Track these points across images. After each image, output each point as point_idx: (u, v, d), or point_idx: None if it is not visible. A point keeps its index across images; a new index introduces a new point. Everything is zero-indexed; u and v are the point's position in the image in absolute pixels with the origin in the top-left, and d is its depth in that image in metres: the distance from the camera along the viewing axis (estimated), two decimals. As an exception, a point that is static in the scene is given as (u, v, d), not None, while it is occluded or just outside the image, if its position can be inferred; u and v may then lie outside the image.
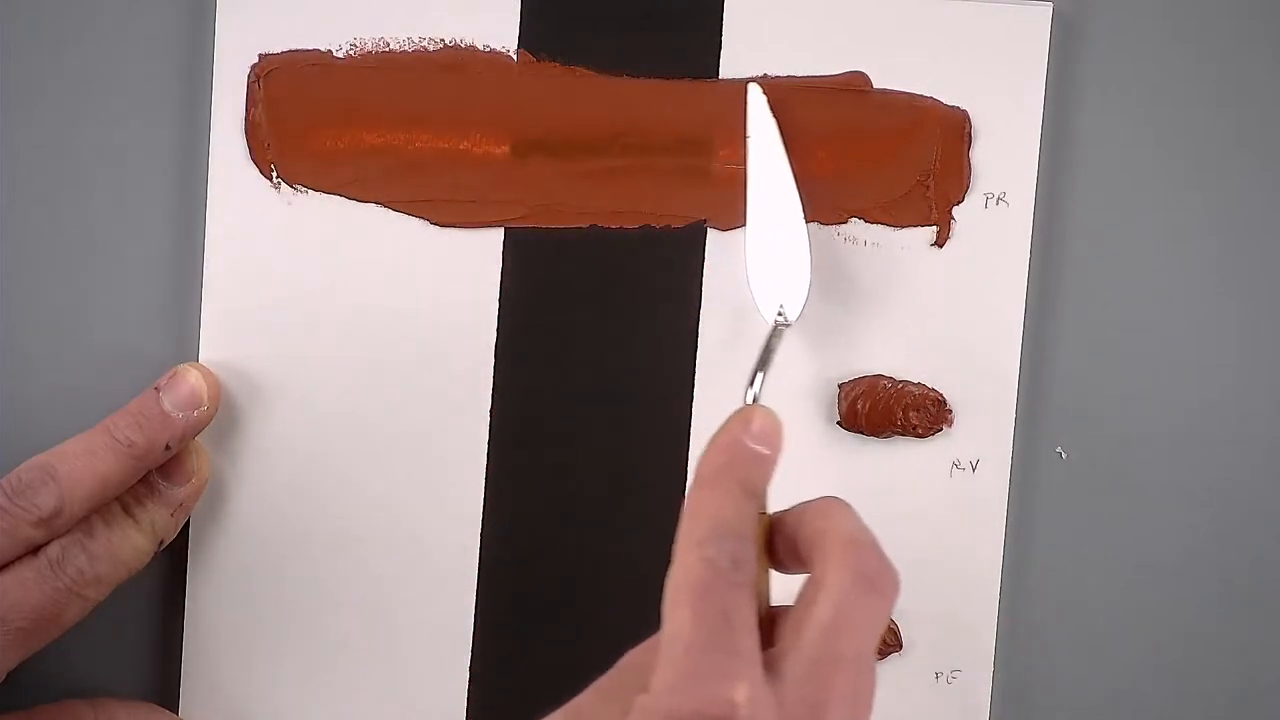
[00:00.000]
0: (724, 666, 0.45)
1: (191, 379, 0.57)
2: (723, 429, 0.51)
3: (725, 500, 0.49)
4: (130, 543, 0.56)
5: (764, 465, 0.50)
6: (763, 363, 0.55)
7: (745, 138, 0.59)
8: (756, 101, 0.58)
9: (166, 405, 0.56)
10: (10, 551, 0.54)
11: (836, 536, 0.48)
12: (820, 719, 0.46)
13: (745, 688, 0.45)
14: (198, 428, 0.57)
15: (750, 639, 0.46)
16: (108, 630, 0.59)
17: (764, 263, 0.58)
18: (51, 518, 0.54)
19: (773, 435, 0.51)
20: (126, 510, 0.56)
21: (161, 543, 0.57)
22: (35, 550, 0.54)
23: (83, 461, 0.54)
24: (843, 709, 0.46)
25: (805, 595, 0.48)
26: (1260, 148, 0.61)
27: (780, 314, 0.57)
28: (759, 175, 0.58)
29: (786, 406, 0.60)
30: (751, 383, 0.54)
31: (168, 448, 0.56)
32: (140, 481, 0.56)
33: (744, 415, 0.51)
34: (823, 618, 0.46)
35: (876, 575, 0.48)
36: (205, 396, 0.57)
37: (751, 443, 0.50)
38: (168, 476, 0.57)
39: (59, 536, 0.54)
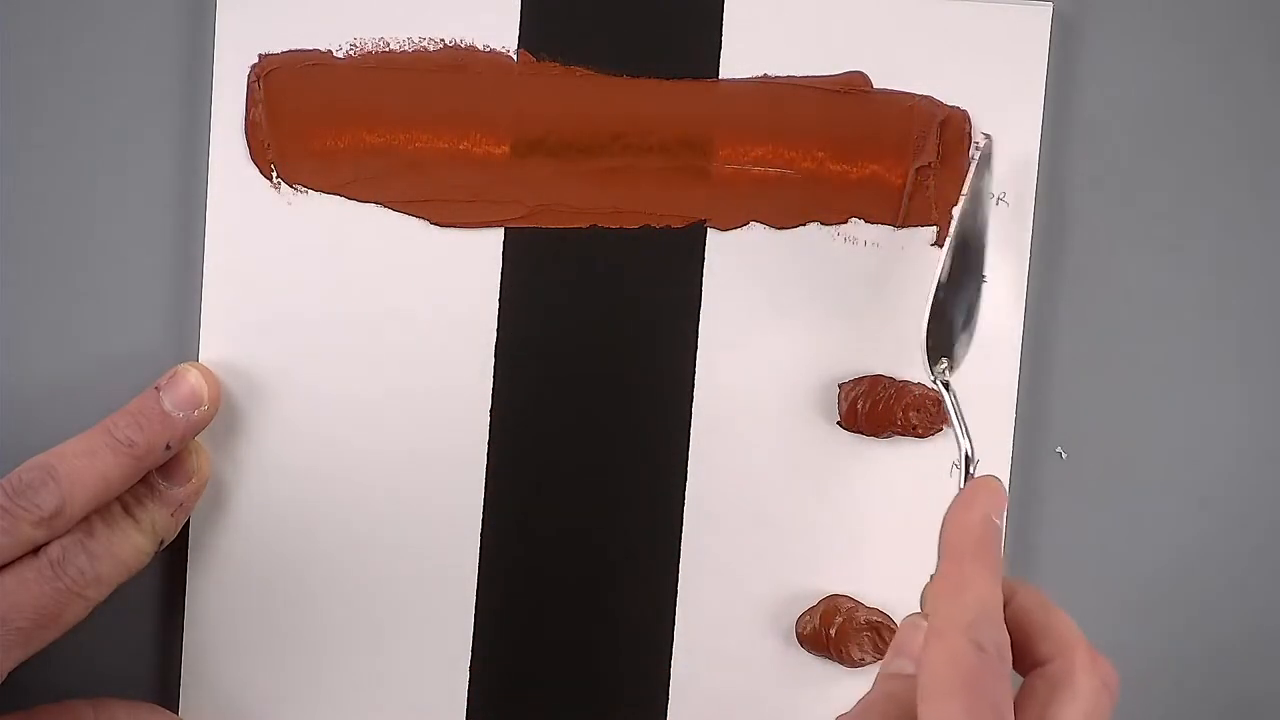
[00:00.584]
0: None
1: (191, 379, 0.57)
2: (969, 501, 0.51)
3: (988, 582, 0.49)
4: (131, 542, 0.56)
5: (1001, 541, 0.51)
6: (963, 422, 0.55)
7: (962, 191, 0.58)
8: (983, 155, 0.58)
9: (167, 405, 0.56)
10: (11, 551, 0.54)
11: (1078, 638, 0.50)
12: None
13: None
14: (198, 428, 0.57)
15: None
16: (108, 630, 0.59)
17: (942, 317, 0.57)
18: (52, 518, 0.54)
19: (1005, 508, 0.51)
20: (127, 510, 0.56)
21: (162, 542, 0.57)
22: (36, 550, 0.54)
23: (83, 461, 0.54)
24: None
25: (1049, 693, 0.49)
26: (1260, 147, 0.61)
27: (944, 364, 0.57)
28: (962, 232, 0.58)
29: (786, 406, 0.60)
30: (969, 450, 0.54)
31: (168, 448, 0.56)
32: (140, 481, 0.56)
33: (992, 489, 0.51)
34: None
35: (1115, 682, 0.50)
36: (205, 396, 0.57)
37: (996, 518, 0.50)
38: (168, 476, 0.57)
39: (59, 536, 0.54)
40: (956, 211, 0.57)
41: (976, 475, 0.53)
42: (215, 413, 0.58)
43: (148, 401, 0.56)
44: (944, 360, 0.57)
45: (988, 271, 0.58)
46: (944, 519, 0.51)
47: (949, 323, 0.57)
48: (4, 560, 0.54)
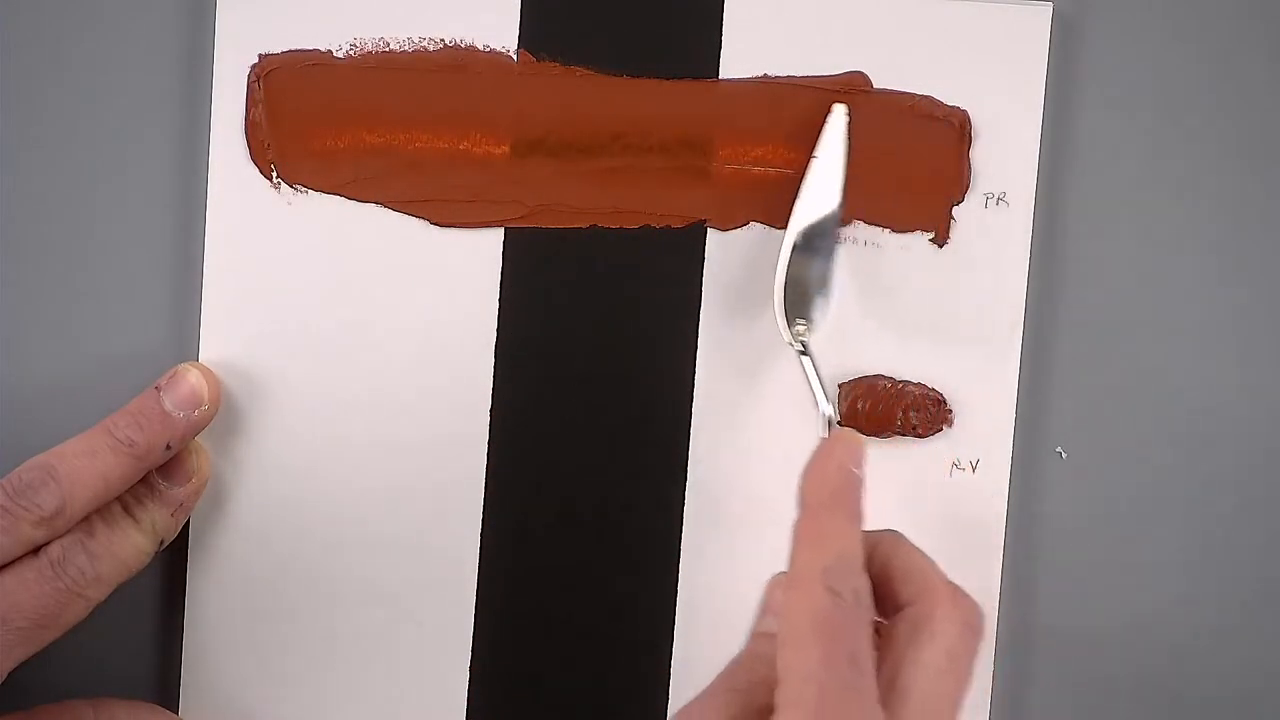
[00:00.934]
0: (852, 712, 0.45)
1: (191, 379, 0.57)
2: (826, 453, 0.51)
3: (845, 530, 0.49)
4: (130, 543, 0.56)
5: (863, 491, 0.51)
6: (820, 377, 0.55)
7: (812, 154, 0.58)
8: (837, 122, 0.58)
9: (167, 405, 0.56)
10: (11, 551, 0.54)
11: (938, 580, 0.50)
12: None
13: None
14: (198, 428, 0.57)
15: (871, 680, 0.47)
16: (108, 630, 0.59)
17: (795, 275, 0.58)
18: (52, 517, 0.54)
19: (865, 459, 0.51)
20: (127, 510, 0.56)
21: (162, 542, 0.57)
22: (36, 550, 0.54)
23: (83, 461, 0.54)
24: None
25: (910, 634, 0.48)
26: (1260, 147, 0.61)
27: (801, 324, 0.57)
28: (811, 191, 0.58)
29: (786, 406, 0.60)
30: (831, 414, 0.55)
31: (168, 447, 0.56)
32: (141, 481, 0.56)
33: (847, 439, 0.51)
34: (938, 661, 0.48)
35: (980, 620, 0.49)
36: (205, 396, 0.57)
37: (855, 468, 0.50)
38: (168, 476, 0.57)
39: (60, 536, 0.54)
40: (807, 172, 0.58)
41: (837, 427, 0.54)
42: (215, 413, 0.58)
43: (148, 401, 0.56)
44: (801, 321, 0.57)
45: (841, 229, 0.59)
46: (802, 472, 0.51)
47: (804, 285, 0.58)
48: (4, 560, 0.54)
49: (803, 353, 0.57)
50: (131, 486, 0.56)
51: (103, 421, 0.56)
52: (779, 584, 0.51)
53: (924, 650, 0.48)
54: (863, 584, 0.48)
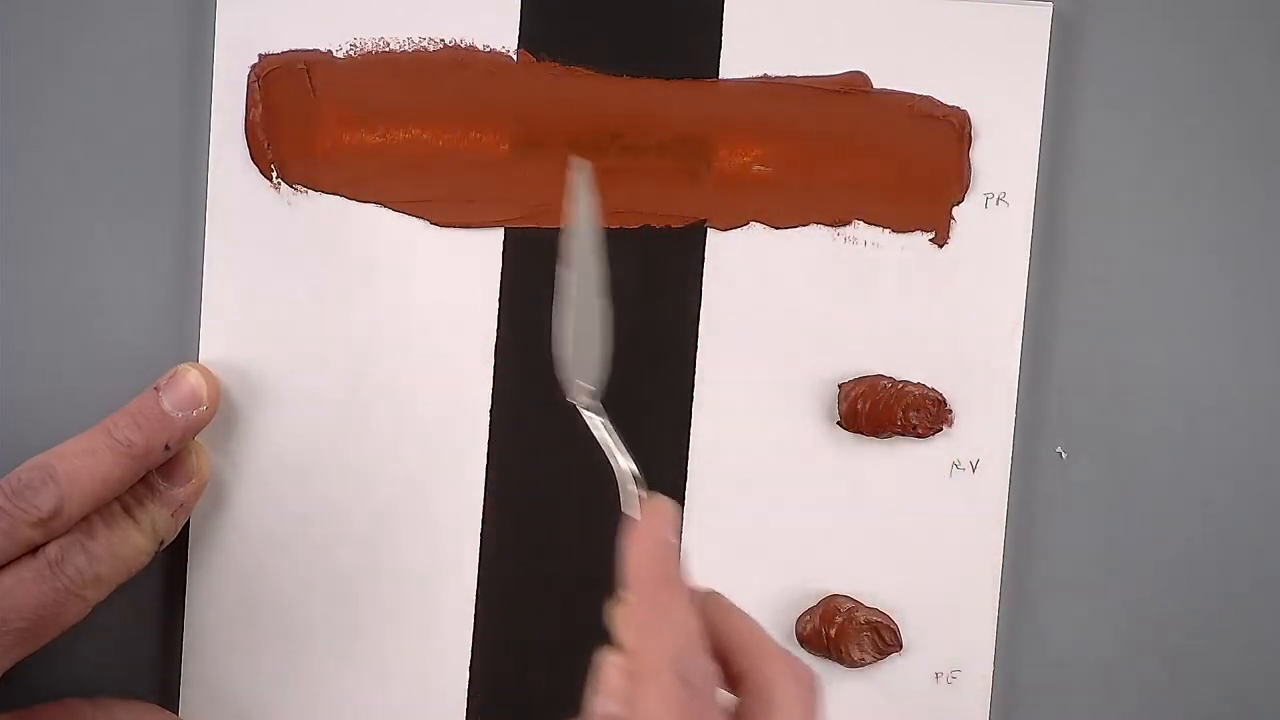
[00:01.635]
0: None
1: (191, 379, 0.57)
2: (645, 530, 0.50)
3: (682, 610, 0.48)
4: (130, 543, 0.56)
5: (681, 558, 0.50)
6: (619, 444, 0.52)
7: (568, 219, 0.55)
8: (580, 179, 0.55)
9: (166, 405, 0.56)
10: (10, 552, 0.54)
11: (770, 645, 0.49)
12: None
13: None
14: (197, 427, 0.57)
15: None
16: (108, 630, 0.59)
17: (577, 343, 0.54)
18: (51, 518, 0.54)
19: (679, 525, 0.50)
20: (126, 510, 0.56)
21: (162, 543, 0.57)
22: (35, 550, 0.54)
23: (82, 461, 0.54)
24: None
25: (757, 704, 0.48)
26: (1259, 147, 0.61)
27: (586, 385, 0.54)
28: (577, 257, 0.54)
29: (787, 407, 0.60)
30: (634, 470, 0.52)
31: (167, 448, 0.56)
32: (140, 481, 0.56)
33: (661, 510, 0.50)
34: None
35: (814, 680, 0.49)
36: (205, 396, 0.57)
37: (672, 537, 0.50)
38: (168, 476, 0.57)
39: (58, 537, 0.54)
40: (572, 237, 0.54)
41: (645, 495, 0.51)
42: (214, 413, 0.58)
43: (147, 402, 0.56)
44: (584, 386, 0.54)
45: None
46: (624, 548, 0.50)
47: (586, 346, 0.54)
48: (3, 560, 0.54)
49: (590, 410, 0.54)
50: (131, 487, 0.56)
51: (102, 422, 0.55)
52: (617, 667, 0.49)
53: (775, 714, 0.48)
54: (709, 666, 0.47)
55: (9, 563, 0.54)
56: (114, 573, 0.55)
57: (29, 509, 0.53)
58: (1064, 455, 0.62)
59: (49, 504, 0.54)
